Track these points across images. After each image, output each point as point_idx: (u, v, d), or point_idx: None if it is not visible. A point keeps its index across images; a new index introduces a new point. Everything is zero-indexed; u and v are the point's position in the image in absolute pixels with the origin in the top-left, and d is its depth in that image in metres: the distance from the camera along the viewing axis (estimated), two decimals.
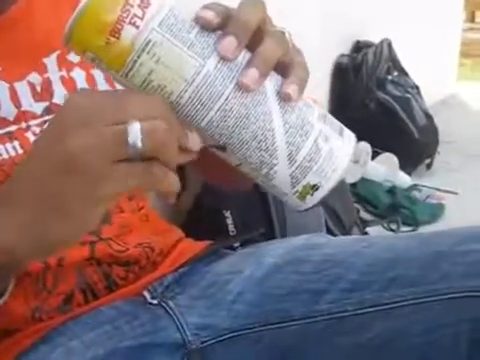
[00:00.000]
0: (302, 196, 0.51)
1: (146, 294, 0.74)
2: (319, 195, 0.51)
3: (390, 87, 2.41)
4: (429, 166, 2.47)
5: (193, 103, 0.47)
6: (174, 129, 0.45)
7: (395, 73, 2.46)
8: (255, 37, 0.48)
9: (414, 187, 2.20)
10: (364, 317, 0.67)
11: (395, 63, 2.50)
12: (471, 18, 6.55)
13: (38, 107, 0.68)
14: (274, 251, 0.77)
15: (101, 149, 0.43)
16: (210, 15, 0.47)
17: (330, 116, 0.53)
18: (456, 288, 0.62)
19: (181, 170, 0.51)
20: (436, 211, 2.08)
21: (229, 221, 1.38)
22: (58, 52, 0.70)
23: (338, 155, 0.51)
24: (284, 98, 0.49)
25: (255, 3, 0.49)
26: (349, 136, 0.53)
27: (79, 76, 0.70)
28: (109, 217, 0.73)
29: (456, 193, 2.21)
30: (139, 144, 0.43)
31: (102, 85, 0.71)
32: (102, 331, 0.69)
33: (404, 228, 1.96)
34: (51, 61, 0.69)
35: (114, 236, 0.73)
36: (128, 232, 0.75)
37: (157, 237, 0.79)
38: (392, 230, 1.94)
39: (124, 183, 0.45)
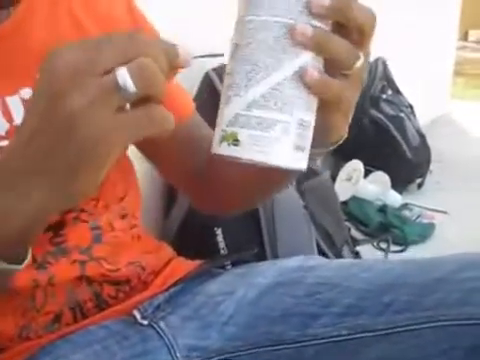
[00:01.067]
0: (222, 139, 0.51)
1: (136, 314, 0.73)
2: (230, 152, 0.51)
3: (384, 106, 2.42)
4: (420, 185, 2.47)
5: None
6: (159, 59, 0.45)
7: (389, 92, 2.47)
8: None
9: (405, 206, 2.21)
10: (358, 342, 0.66)
11: (390, 82, 2.51)
12: (464, 37, 6.60)
13: None
14: (267, 272, 0.76)
15: (98, 103, 0.43)
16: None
17: (310, 130, 0.53)
18: (452, 315, 0.62)
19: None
20: (426, 231, 2.08)
21: (220, 239, 1.37)
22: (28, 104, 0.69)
23: (279, 150, 0.51)
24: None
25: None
26: (303, 158, 0.53)
27: None
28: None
29: (446, 213, 2.21)
30: (131, 86, 0.43)
31: None
32: (91, 351, 0.68)
33: (394, 247, 1.96)
34: None
35: (106, 255, 0.72)
36: (120, 251, 0.74)
37: (148, 256, 0.78)
38: (382, 249, 1.94)
39: (128, 132, 0.45)
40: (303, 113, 0.51)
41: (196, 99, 1.50)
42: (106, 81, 0.43)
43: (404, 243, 1.98)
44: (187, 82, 1.42)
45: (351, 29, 0.52)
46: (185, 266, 0.81)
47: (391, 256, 1.89)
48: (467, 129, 3.48)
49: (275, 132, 0.50)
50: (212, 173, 0.80)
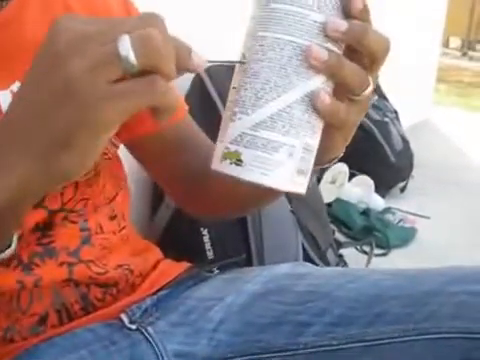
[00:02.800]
0: (224, 156, 0.50)
1: (124, 318, 0.72)
2: (232, 171, 0.50)
3: (370, 110, 2.42)
4: (403, 189, 2.49)
5: (275, 14, 0.49)
6: (171, 41, 0.43)
7: (375, 97, 2.48)
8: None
9: (388, 210, 2.22)
10: (348, 352, 0.65)
11: (376, 87, 2.52)
12: (446, 43, 6.67)
13: None
14: (256, 278, 0.75)
15: (96, 72, 0.41)
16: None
17: (314, 154, 0.52)
18: (443, 328, 0.61)
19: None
20: (408, 235, 2.09)
21: (206, 239, 1.36)
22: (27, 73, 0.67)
23: (282, 173, 0.50)
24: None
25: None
26: (304, 182, 0.52)
27: None
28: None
29: (428, 217, 2.23)
30: (132, 56, 0.41)
31: None
32: (77, 356, 0.66)
33: (377, 251, 1.96)
34: None
35: (94, 257, 0.71)
36: (108, 253, 0.73)
37: (136, 258, 0.77)
38: (365, 252, 1.94)
39: (125, 105, 0.43)
40: (309, 137, 0.51)
41: (186, 99, 1.48)
42: (108, 48, 0.42)
43: (387, 246, 1.99)
44: (178, 82, 1.41)
45: (364, 54, 0.51)
46: (173, 269, 0.80)
47: (374, 259, 1.90)
48: (448, 136, 3.51)
49: (280, 155, 0.49)
50: (203, 178, 0.79)
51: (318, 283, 0.72)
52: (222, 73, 1.51)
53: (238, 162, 0.49)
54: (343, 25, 0.49)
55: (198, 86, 1.53)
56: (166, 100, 0.44)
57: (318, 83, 0.50)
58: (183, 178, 0.81)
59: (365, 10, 0.51)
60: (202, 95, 1.49)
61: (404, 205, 2.30)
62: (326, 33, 0.49)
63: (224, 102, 1.47)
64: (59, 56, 0.42)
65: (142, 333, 0.71)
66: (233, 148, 0.50)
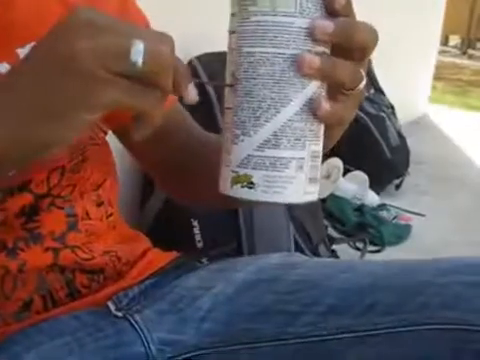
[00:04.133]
0: (234, 180, 0.50)
1: (110, 305, 0.71)
2: (245, 194, 0.50)
3: (366, 104, 2.41)
4: (398, 186, 2.48)
5: (259, 27, 0.48)
6: (177, 63, 0.46)
7: (372, 91, 2.47)
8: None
9: (382, 207, 2.21)
10: (338, 342, 0.65)
11: (373, 81, 2.51)
12: (444, 41, 6.67)
13: None
14: (246, 268, 0.75)
15: (103, 56, 0.43)
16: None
17: (320, 158, 0.52)
18: (435, 319, 0.61)
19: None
20: (403, 232, 2.09)
21: (196, 231, 1.35)
22: (34, 43, 0.65)
23: (294, 188, 0.50)
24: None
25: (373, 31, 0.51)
26: (315, 189, 0.52)
27: None
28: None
29: (423, 215, 2.22)
30: (140, 62, 0.44)
31: None
32: (62, 342, 0.66)
33: (370, 247, 1.95)
34: (25, 52, 0.63)
35: (80, 243, 0.70)
36: (95, 240, 0.72)
37: (124, 246, 0.76)
38: (358, 249, 1.94)
39: (118, 96, 0.45)
40: (314, 144, 0.50)
41: None
42: (120, 43, 0.44)
43: (380, 243, 1.98)
44: None
45: (353, 49, 0.51)
46: (162, 258, 0.79)
47: (367, 256, 1.89)
48: (445, 133, 3.50)
49: (290, 170, 0.49)
50: (191, 166, 0.79)
51: (309, 273, 0.71)
52: (214, 61, 1.50)
53: (250, 185, 0.49)
54: (329, 26, 0.48)
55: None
56: (153, 113, 0.46)
57: (314, 89, 0.49)
58: (172, 166, 0.81)
59: (348, 3, 0.50)
60: (194, 84, 1.47)
61: (399, 202, 2.29)
62: (314, 37, 0.48)
63: (217, 91, 1.47)
64: (74, 32, 0.44)
65: (128, 321, 0.70)
66: (242, 171, 0.49)
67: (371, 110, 2.42)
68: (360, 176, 2.21)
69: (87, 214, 0.71)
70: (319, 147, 0.51)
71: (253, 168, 0.49)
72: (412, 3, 3.13)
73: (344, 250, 1.87)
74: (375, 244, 1.98)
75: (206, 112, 1.43)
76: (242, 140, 0.49)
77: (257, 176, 0.49)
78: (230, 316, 0.70)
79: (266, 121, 0.48)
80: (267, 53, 0.48)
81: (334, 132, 0.56)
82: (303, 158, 0.49)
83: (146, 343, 0.69)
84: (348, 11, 0.50)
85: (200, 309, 0.71)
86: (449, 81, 5.17)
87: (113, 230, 0.76)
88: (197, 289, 0.74)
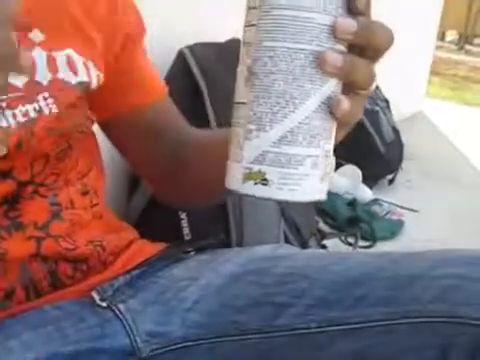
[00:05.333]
0: (247, 177, 0.49)
1: (95, 295, 0.70)
2: (258, 191, 0.48)
3: None
4: (391, 181, 2.47)
5: (281, 22, 0.47)
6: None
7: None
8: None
9: (375, 202, 2.19)
10: (327, 335, 0.64)
11: None
12: (441, 37, 6.66)
13: None
14: (234, 259, 0.74)
15: None
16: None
17: (331, 157, 0.51)
18: (427, 312, 0.60)
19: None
20: (395, 228, 2.07)
21: (184, 223, 1.34)
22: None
23: (308, 185, 0.49)
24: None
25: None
26: (325, 188, 0.51)
27: (40, 57, 0.65)
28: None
29: (416, 211, 2.21)
30: None
31: (63, 68, 0.67)
32: (44, 332, 0.65)
33: (362, 243, 1.94)
34: None
35: (64, 233, 0.69)
36: (79, 229, 0.71)
37: (109, 235, 0.75)
38: (349, 244, 1.92)
39: None
40: (328, 143, 0.50)
41: (169, 77, 1.48)
42: None
43: (372, 239, 1.97)
44: (160, 59, 1.39)
45: (368, 48, 0.50)
46: (148, 248, 0.78)
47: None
48: (440, 129, 3.50)
49: (305, 168, 0.48)
50: (176, 164, 0.78)
51: (298, 265, 0.71)
52: (205, 51, 1.48)
53: (264, 182, 0.48)
54: (353, 25, 0.48)
55: (180, 63, 1.50)
56: None
57: (332, 87, 0.49)
58: (157, 162, 0.80)
59: (369, 2, 0.50)
60: (184, 72, 1.47)
61: (392, 197, 2.28)
62: (336, 35, 0.48)
63: (208, 84, 1.46)
64: None
65: (113, 311, 0.69)
66: (256, 168, 0.48)
67: (365, 104, 2.40)
68: (353, 170, 2.19)
69: (71, 203, 0.70)
70: (331, 146, 0.50)
71: (268, 164, 0.48)
72: None
73: (335, 245, 1.86)
74: (367, 239, 1.97)
75: (197, 106, 1.42)
76: (257, 136, 0.48)
77: (272, 173, 0.48)
78: (217, 308, 0.69)
79: (284, 117, 0.47)
80: (288, 48, 0.47)
81: (340, 132, 0.55)
82: (318, 156, 0.49)
83: (131, 334, 0.68)
84: (368, 10, 0.50)
85: (186, 300, 0.70)
86: (446, 77, 5.16)
87: (99, 220, 0.75)
88: (184, 280, 0.73)
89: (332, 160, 0.51)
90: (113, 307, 0.69)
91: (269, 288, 0.69)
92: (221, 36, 1.56)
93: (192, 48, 1.50)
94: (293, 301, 0.67)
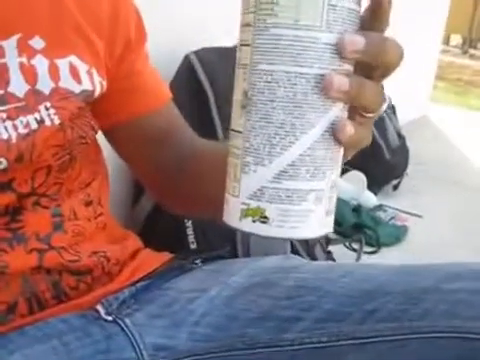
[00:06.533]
0: (244, 214, 0.45)
1: (100, 308, 0.69)
2: (257, 229, 0.45)
3: None
4: (396, 187, 2.46)
5: (279, 42, 0.43)
6: None
7: None
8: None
9: (379, 207, 2.19)
10: (337, 349, 0.62)
11: None
12: (446, 41, 6.65)
13: None
14: (242, 271, 0.72)
15: None
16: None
17: (337, 187, 0.47)
18: (438, 327, 0.59)
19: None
20: (399, 233, 2.06)
21: (189, 231, 1.32)
22: (19, 35, 0.62)
23: (311, 222, 0.45)
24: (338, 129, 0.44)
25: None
26: (331, 221, 0.47)
27: (41, 65, 0.63)
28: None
29: (420, 216, 2.20)
30: None
31: (66, 76, 0.65)
32: (49, 346, 0.63)
33: (367, 248, 1.93)
34: (10, 45, 0.62)
35: (67, 245, 0.67)
36: (82, 240, 0.69)
37: (113, 246, 0.74)
38: (354, 250, 1.92)
39: None
40: (334, 173, 0.46)
41: (175, 81, 1.46)
42: None
43: (377, 244, 1.96)
44: (166, 64, 1.38)
45: (378, 66, 0.47)
46: (153, 259, 0.77)
47: (363, 257, 1.87)
48: (445, 134, 3.49)
49: (308, 203, 0.45)
50: (178, 173, 0.76)
51: (307, 277, 0.69)
52: (211, 56, 1.47)
53: (263, 219, 0.44)
54: (360, 43, 0.44)
55: (186, 68, 1.49)
56: None
57: (337, 112, 0.44)
58: (160, 171, 0.79)
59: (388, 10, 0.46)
60: (190, 77, 1.45)
61: (396, 203, 2.27)
62: (343, 55, 0.43)
63: (214, 89, 1.45)
64: None
65: (119, 325, 0.68)
66: (254, 204, 0.44)
67: None
68: (358, 176, 2.19)
69: (74, 214, 0.69)
70: (337, 175, 0.47)
71: (267, 201, 0.44)
72: (416, 2, 3.10)
73: (340, 251, 1.85)
74: (371, 245, 1.96)
75: (203, 112, 1.40)
76: (255, 170, 0.44)
77: (271, 210, 0.44)
78: (225, 320, 0.68)
79: (284, 149, 0.43)
80: (288, 72, 0.43)
81: (347, 154, 0.52)
82: (322, 189, 0.45)
83: (137, 348, 0.66)
84: (386, 24, 0.47)
85: (194, 313, 0.69)
86: (450, 81, 5.15)
87: (102, 230, 0.73)
88: (191, 292, 0.71)
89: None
90: (119, 321, 0.68)
91: (277, 301, 0.67)
92: (228, 41, 1.55)
93: (198, 53, 1.48)
94: (302, 315, 0.65)
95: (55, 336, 0.64)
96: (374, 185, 2.27)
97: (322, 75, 0.43)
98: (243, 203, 0.45)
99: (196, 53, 1.49)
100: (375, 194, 2.26)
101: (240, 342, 0.66)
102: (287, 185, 0.44)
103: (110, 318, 0.68)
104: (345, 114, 0.45)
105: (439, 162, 2.92)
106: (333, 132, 0.45)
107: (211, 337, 0.67)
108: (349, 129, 0.45)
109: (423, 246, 1.98)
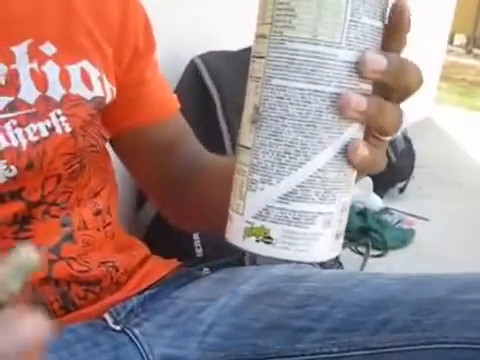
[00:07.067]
0: (248, 232, 0.43)
1: (108, 317, 0.68)
2: (260, 250, 0.43)
3: None
4: (402, 190, 2.45)
5: (295, 58, 0.41)
6: None
7: None
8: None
9: (385, 210, 2.17)
10: None
11: None
12: (450, 40, 6.63)
13: (0, 102, 0.60)
14: (252, 279, 0.72)
15: None
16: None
17: (348, 209, 0.45)
18: (452, 338, 0.58)
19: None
20: (406, 237, 2.05)
21: (195, 236, 1.31)
22: (30, 41, 0.61)
23: (318, 246, 0.43)
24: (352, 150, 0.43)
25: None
26: (339, 244, 0.46)
27: (52, 71, 0.62)
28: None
29: (427, 219, 2.19)
30: None
31: (77, 83, 0.64)
32: (56, 357, 0.62)
33: (373, 252, 1.92)
34: (21, 50, 0.61)
35: (76, 255, 0.67)
36: (91, 250, 0.69)
37: (121, 255, 0.73)
38: (361, 253, 1.91)
39: None
40: (345, 195, 0.44)
41: (180, 86, 1.46)
42: None
43: (383, 248, 1.95)
44: (172, 68, 1.37)
45: (397, 88, 0.45)
46: (161, 267, 0.76)
47: (370, 261, 1.86)
48: (450, 135, 3.47)
49: (316, 226, 0.43)
50: (190, 187, 0.75)
51: (317, 286, 0.69)
52: (217, 60, 1.46)
53: (267, 240, 0.43)
54: (382, 63, 0.42)
55: (192, 72, 1.47)
56: None
57: (352, 134, 0.42)
58: (164, 182, 0.78)
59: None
60: (195, 81, 1.44)
61: (402, 206, 2.26)
62: (364, 73, 0.41)
63: (221, 94, 1.44)
64: None
65: (127, 334, 0.67)
66: (258, 223, 0.43)
67: None
68: (363, 179, 2.17)
69: (84, 223, 0.68)
70: (350, 197, 0.45)
71: (272, 221, 0.42)
72: (421, 2, 3.09)
73: (347, 255, 1.84)
74: (378, 248, 1.95)
75: (209, 117, 1.39)
76: (261, 188, 0.42)
77: (276, 231, 0.42)
78: (235, 330, 0.67)
79: (293, 169, 0.41)
80: (302, 89, 0.41)
81: (358, 177, 0.50)
82: (331, 213, 0.43)
83: (146, 358, 0.66)
84: (404, 46, 0.45)
85: (203, 323, 0.68)
86: (454, 81, 5.13)
87: (111, 239, 0.73)
88: (199, 301, 0.71)
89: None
90: (127, 331, 0.67)
91: (288, 310, 0.67)
92: (234, 45, 1.54)
93: (204, 57, 1.48)
94: (313, 325, 0.65)
95: (63, 346, 0.63)
96: (380, 188, 2.26)
97: (338, 94, 0.41)
98: (247, 221, 0.43)
99: (201, 57, 1.48)
100: (381, 197, 2.25)
101: (250, 352, 0.65)
102: (294, 206, 0.42)
103: (118, 328, 0.67)
104: (361, 136, 0.44)
105: (444, 164, 2.90)
106: (347, 155, 0.43)
107: (220, 347, 0.66)
108: (363, 150, 0.43)
109: (430, 249, 1.97)
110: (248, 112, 0.44)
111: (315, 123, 0.41)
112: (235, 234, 0.44)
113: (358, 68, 0.41)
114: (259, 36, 0.43)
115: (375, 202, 2.19)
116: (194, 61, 1.46)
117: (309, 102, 0.41)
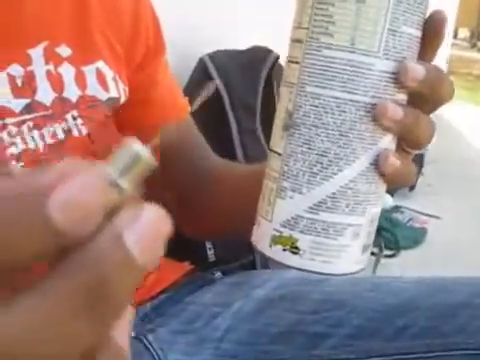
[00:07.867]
0: (275, 241, 0.42)
1: None
2: (286, 259, 0.42)
3: None
4: (412, 187, 2.43)
5: (331, 65, 0.40)
6: None
7: None
8: None
9: (396, 209, 2.15)
10: None
11: None
12: (454, 34, 6.62)
13: (17, 104, 0.59)
14: (266, 283, 0.71)
15: None
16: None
17: (377, 220, 0.44)
18: (473, 343, 0.57)
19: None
20: (418, 236, 2.03)
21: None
22: (46, 43, 0.61)
23: (346, 258, 0.42)
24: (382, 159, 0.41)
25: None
26: (367, 257, 0.44)
27: (68, 73, 0.62)
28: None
29: (439, 217, 2.16)
30: None
31: (93, 84, 0.63)
32: None
33: (385, 251, 1.90)
34: (37, 53, 0.60)
35: None
36: None
37: None
38: (373, 253, 1.88)
39: None
40: (375, 207, 0.43)
41: (189, 85, 1.44)
42: None
43: (395, 247, 1.92)
44: (181, 67, 1.35)
45: (432, 101, 0.44)
46: (174, 270, 0.75)
47: (382, 261, 1.83)
48: (457, 130, 3.45)
49: (344, 238, 0.41)
50: (199, 193, 0.74)
51: (333, 291, 0.68)
52: (225, 58, 1.45)
53: (294, 250, 0.42)
54: (421, 72, 0.41)
55: (200, 70, 1.46)
56: None
57: (385, 145, 0.41)
58: (173, 187, 0.76)
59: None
60: (204, 80, 1.41)
61: (413, 204, 2.24)
62: (403, 82, 0.40)
63: (230, 92, 1.42)
64: None
65: (141, 341, 0.66)
66: (286, 232, 0.42)
67: None
68: None
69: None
70: (379, 209, 0.43)
71: (301, 231, 0.41)
72: None
73: None
74: (390, 248, 1.92)
75: (219, 116, 1.37)
76: (291, 197, 0.41)
77: (304, 241, 0.41)
78: (250, 336, 0.66)
79: (324, 179, 0.40)
80: (337, 98, 0.40)
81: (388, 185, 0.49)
82: (361, 225, 0.42)
83: None
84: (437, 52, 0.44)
85: (218, 329, 0.67)
86: (459, 75, 5.11)
87: None
88: (214, 306, 0.70)
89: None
90: (141, 337, 0.66)
91: (304, 316, 0.66)
92: (242, 43, 1.53)
93: (213, 56, 1.47)
94: (330, 330, 0.63)
95: None
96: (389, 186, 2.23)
97: (374, 104, 0.40)
98: (275, 229, 0.42)
99: (209, 55, 1.48)
100: (391, 195, 2.22)
101: (265, 358, 0.65)
102: (324, 217, 0.41)
103: (133, 335, 0.66)
104: (393, 148, 0.42)
105: (452, 159, 2.89)
106: (379, 165, 0.42)
107: (235, 353, 0.65)
108: (394, 161, 0.42)
109: (442, 247, 1.95)
110: (280, 117, 0.43)
111: (349, 133, 0.40)
112: (262, 240, 0.43)
113: (397, 77, 0.40)
114: (295, 40, 0.42)
115: (385, 200, 2.16)
116: (203, 59, 1.47)
117: (344, 111, 0.40)
